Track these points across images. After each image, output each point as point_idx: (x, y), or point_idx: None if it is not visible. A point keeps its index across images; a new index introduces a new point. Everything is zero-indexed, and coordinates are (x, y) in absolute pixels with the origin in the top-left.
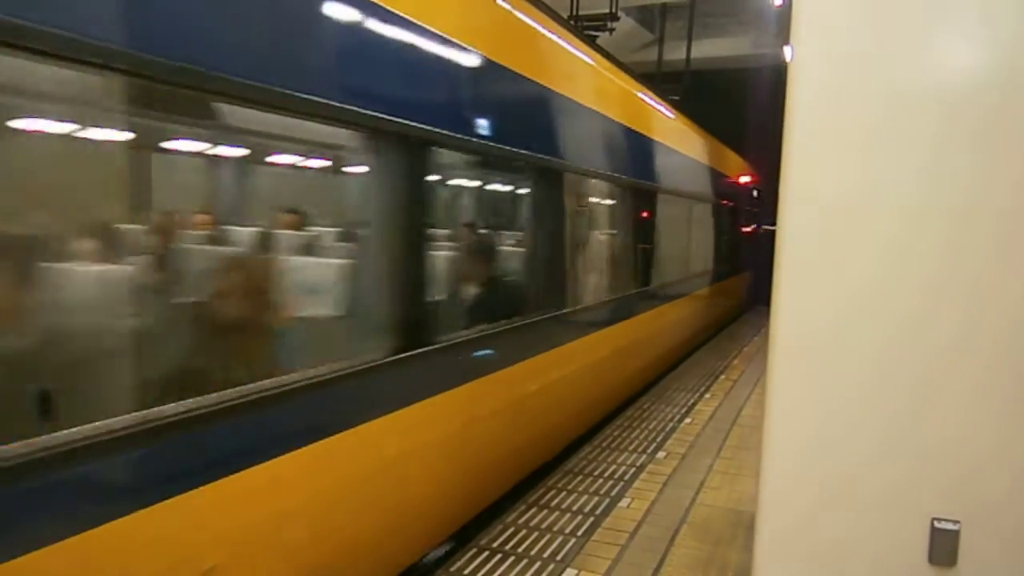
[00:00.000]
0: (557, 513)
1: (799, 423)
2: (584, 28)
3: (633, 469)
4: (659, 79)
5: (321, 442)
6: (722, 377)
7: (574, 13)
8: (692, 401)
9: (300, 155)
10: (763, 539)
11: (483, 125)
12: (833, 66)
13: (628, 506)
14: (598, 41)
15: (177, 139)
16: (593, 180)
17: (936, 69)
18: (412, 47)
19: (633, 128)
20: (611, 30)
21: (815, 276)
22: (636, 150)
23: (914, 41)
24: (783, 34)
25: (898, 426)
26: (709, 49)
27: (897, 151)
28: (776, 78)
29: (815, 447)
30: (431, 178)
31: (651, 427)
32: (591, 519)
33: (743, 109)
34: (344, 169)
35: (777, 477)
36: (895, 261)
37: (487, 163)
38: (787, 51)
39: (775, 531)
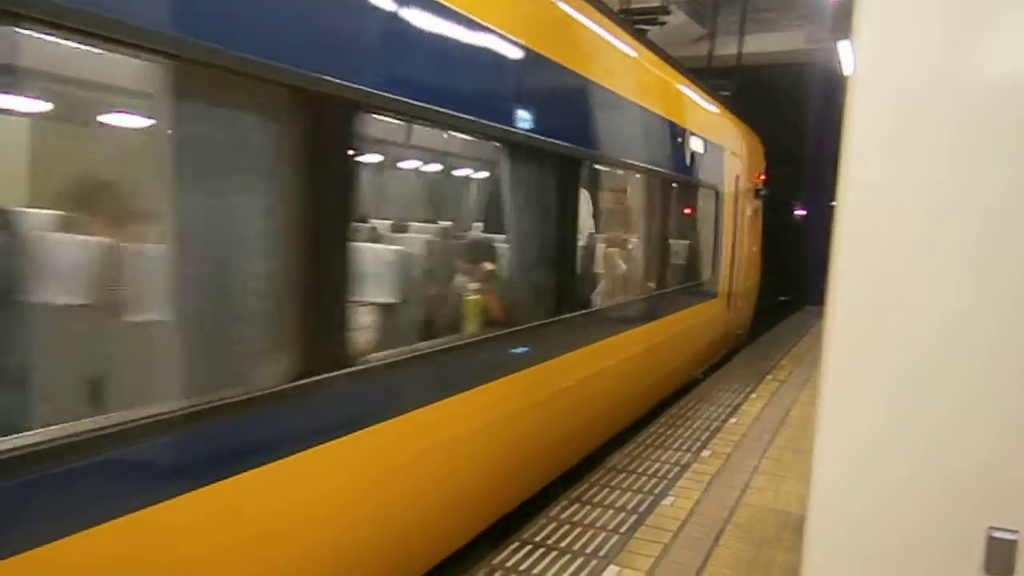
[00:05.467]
0: (600, 509)
1: (853, 425)
2: (634, 22)
3: (677, 467)
4: (710, 74)
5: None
6: (768, 377)
7: (624, 6)
8: (738, 401)
9: None
10: (813, 544)
11: None
12: (899, 62)
13: (672, 504)
14: (649, 35)
15: None
16: None
17: (1014, 65)
18: None
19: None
20: (661, 23)
21: (873, 277)
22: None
23: (990, 35)
24: (838, 29)
25: (954, 429)
26: (761, 44)
27: (968, 152)
28: (830, 74)
29: (869, 451)
30: None
31: (695, 426)
32: (634, 516)
33: (796, 105)
34: None
35: (829, 481)
36: (955, 263)
37: None
38: (842, 46)
39: (826, 536)
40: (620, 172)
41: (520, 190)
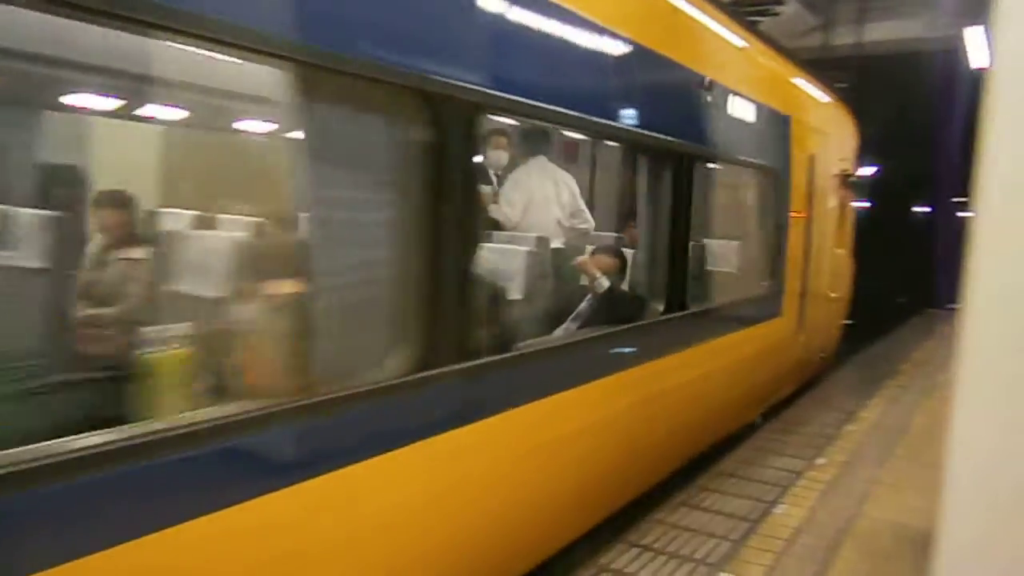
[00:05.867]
0: (710, 515)
1: (990, 436)
2: (747, 13)
3: (791, 475)
4: (826, 66)
5: None
6: (888, 382)
7: None
8: (854, 407)
9: None
10: (942, 563)
11: None
12: None
13: (784, 512)
14: (761, 26)
15: None
16: None
17: None
18: None
19: None
20: (775, 14)
21: (1015, 277)
22: None
23: None
24: (968, 15)
25: None
26: (877, 33)
27: None
28: (954, 63)
29: (1008, 466)
30: None
31: (809, 431)
32: (745, 524)
33: (917, 97)
34: None
35: (961, 496)
36: None
37: None
38: (970, 33)
39: (957, 556)
40: (583, 136)
41: (327, 151)
